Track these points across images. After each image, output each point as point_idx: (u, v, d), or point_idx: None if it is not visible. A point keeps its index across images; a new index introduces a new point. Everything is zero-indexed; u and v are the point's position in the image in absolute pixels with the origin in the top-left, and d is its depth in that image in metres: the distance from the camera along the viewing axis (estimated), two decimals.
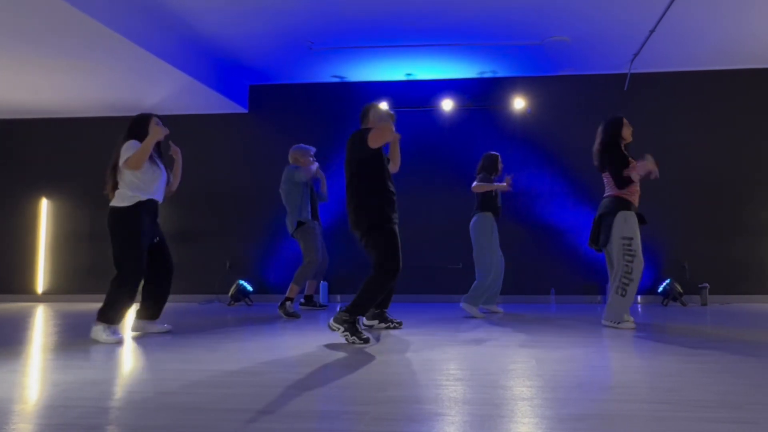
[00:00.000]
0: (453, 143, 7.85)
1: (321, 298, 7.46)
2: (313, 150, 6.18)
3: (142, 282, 4.31)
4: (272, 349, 3.56)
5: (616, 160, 4.54)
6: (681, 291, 6.91)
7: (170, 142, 4.61)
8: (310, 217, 5.95)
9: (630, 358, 3.13)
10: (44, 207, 8.55)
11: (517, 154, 7.65)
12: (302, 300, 6.55)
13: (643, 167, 4.48)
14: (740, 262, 7.29)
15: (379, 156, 4.02)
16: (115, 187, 4.12)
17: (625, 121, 4.71)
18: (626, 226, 4.49)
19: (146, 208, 4.14)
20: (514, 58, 7.28)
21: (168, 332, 4.47)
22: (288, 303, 5.63)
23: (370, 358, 3.22)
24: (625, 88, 7.61)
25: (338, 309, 4.52)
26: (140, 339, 4.12)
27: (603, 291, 7.30)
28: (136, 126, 4.18)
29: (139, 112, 4.43)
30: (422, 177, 7.80)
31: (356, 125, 4.80)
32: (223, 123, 8.26)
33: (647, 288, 7.29)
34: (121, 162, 4.04)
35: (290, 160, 6.16)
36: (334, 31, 6.53)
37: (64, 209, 8.52)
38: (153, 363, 3.12)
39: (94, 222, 8.33)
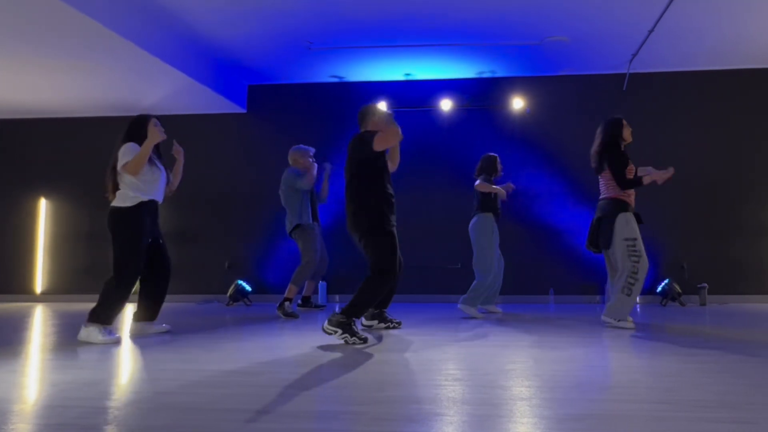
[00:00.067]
0: (452, 143, 7.86)
1: (320, 298, 7.46)
2: (312, 151, 6.15)
3: (140, 282, 4.31)
4: (271, 349, 3.56)
5: (617, 160, 4.55)
6: (680, 291, 6.92)
7: (174, 141, 4.61)
8: (310, 220, 5.93)
9: (629, 358, 3.13)
10: (43, 207, 8.54)
11: (515, 154, 7.66)
12: (299, 301, 6.53)
13: (659, 176, 4.52)
14: (739, 262, 7.30)
15: (381, 159, 4.01)
16: (116, 188, 4.12)
17: (624, 121, 4.72)
18: (628, 228, 4.51)
19: (147, 208, 4.14)
20: (513, 58, 7.28)
21: (167, 332, 4.47)
22: (286, 303, 5.62)
23: (369, 358, 3.22)
24: (624, 88, 7.62)
25: (336, 310, 4.51)
26: (138, 339, 4.11)
27: (602, 291, 7.31)
28: (135, 128, 4.18)
29: (138, 112, 4.44)
30: (421, 177, 7.80)
31: (355, 125, 4.80)
32: (221, 123, 8.26)
33: (646, 288, 7.29)
34: (119, 167, 4.04)
35: (290, 161, 6.13)
36: (333, 31, 6.53)
37: (63, 209, 8.51)
38: (151, 363, 3.11)
39: (93, 222, 8.32)
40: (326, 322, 3.81)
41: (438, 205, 7.77)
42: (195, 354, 3.42)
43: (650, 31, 6.35)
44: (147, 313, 4.38)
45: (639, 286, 4.44)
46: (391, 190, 4.05)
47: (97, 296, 4.06)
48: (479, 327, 4.72)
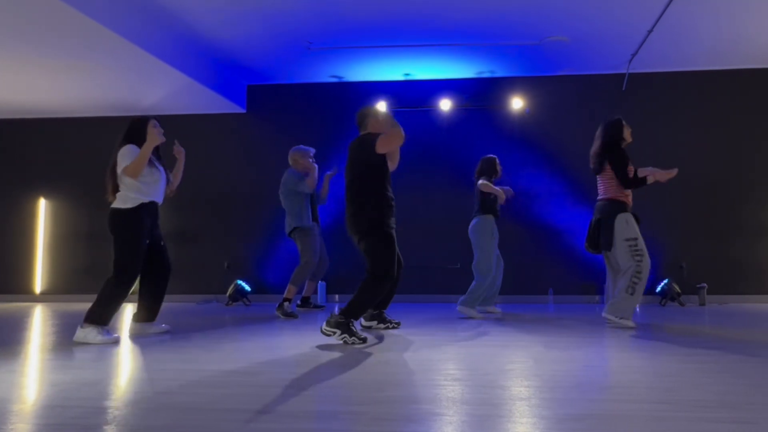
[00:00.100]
0: (451, 143, 7.86)
1: (319, 298, 7.46)
2: (312, 151, 6.12)
3: (140, 280, 4.31)
4: (270, 349, 3.56)
5: (618, 159, 4.56)
6: (679, 291, 6.92)
7: (175, 142, 4.61)
8: (310, 222, 5.91)
9: (628, 358, 3.13)
10: (42, 207, 8.54)
11: (515, 155, 7.66)
12: (299, 302, 6.53)
13: (662, 175, 4.55)
14: (738, 262, 7.30)
15: (383, 162, 4.01)
16: (116, 189, 4.12)
17: (623, 122, 4.73)
18: (628, 228, 4.53)
19: (148, 210, 4.15)
20: (513, 58, 7.28)
21: (166, 332, 4.47)
22: (286, 304, 5.62)
23: (368, 358, 3.22)
24: (623, 88, 7.62)
25: (335, 310, 4.51)
26: (138, 339, 4.11)
27: (601, 291, 7.31)
28: (134, 129, 4.18)
29: (138, 112, 4.44)
30: (420, 177, 7.80)
31: (354, 125, 4.80)
32: (221, 123, 8.26)
33: (645, 288, 7.28)
34: (119, 170, 4.04)
35: (290, 161, 6.08)
36: (332, 31, 6.53)
37: (63, 209, 8.51)
38: (151, 363, 3.11)
39: (93, 222, 8.32)
40: (324, 324, 3.80)
41: (437, 205, 7.76)
42: (194, 354, 3.42)
43: (649, 31, 6.35)
44: (147, 314, 4.39)
45: (643, 284, 4.47)
46: (391, 193, 4.05)
47: (96, 296, 4.06)
48: (479, 327, 4.72)
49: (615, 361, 3.05)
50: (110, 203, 4.14)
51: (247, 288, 7.48)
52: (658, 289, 7.06)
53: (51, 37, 5.67)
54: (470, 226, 5.67)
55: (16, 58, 6.27)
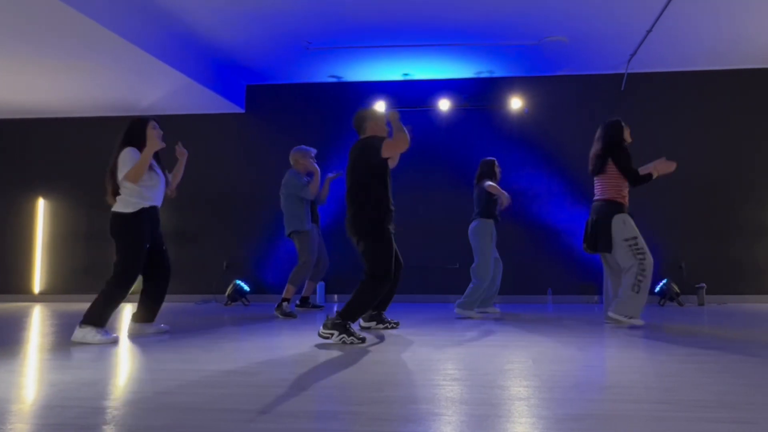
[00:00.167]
0: (450, 143, 7.86)
1: (318, 298, 7.45)
2: (314, 152, 6.10)
3: (142, 280, 4.32)
4: (269, 349, 3.56)
5: (624, 159, 4.58)
6: (678, 291, 6.92)
7: (179, 143, 4.60)
8: (310, 225, 5.89)
9: (627, 358, 3.13)
10: (41, 207, 8.54)
11: (514, 155, 7.66)
12: (298, 302, 6.52)
13: (663, 167, 4.60)
14: (737, 262, 7.31)
15: (385, 166, 4.00)
16: (116, 192, 4.12)
17: (623, 123, 4.75)
18: (626, 228, 4.54)
19: (148, 214, 4.15)
20: (512, 58, 7.29)
21: (165, 332, 4.47)
22: (284, 304, 5.62)
23: (367, 358, 3.22)
24: (622, 88, 7.63)
25: (335, 310, 4.51)
26: (137, 339, 4.11)
27: (600, 291, 7.31)
28: (134, 130, 4.17)
29: (137, 112, 4.44)
30: (419, 177, 7.80)
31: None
32: (220, 123, 8.26)
33: None
34: (120, 176, 4.04)
35: (291, 161, 6.06)
36: (331, 31, 6.53)
37: (61, 209, 8.50)
38: (150, 363, 3.11)
39: (92, 222, 8.32)
40: (321, 327, 3.79)
41: (437, 205, 7.77)
42: (194, 354, 3.42)
43: (648, 31, 6.36)
44: (146, 314, 4.39)
45: (647, 282, 4.48)
46: (391, 200, 4.04)
47: (95, 296, 4.06)
48: (478, 327, 4.72)
49: (614, 361, 3.06)
50: (110, 205, 4.14)
51: (246, 288, 7.48)
52: (657, 289, 7.06)
53: (51, 37, 5.67)
54: (470, 229, 5.65)
55: (16, 58, 6.26)
